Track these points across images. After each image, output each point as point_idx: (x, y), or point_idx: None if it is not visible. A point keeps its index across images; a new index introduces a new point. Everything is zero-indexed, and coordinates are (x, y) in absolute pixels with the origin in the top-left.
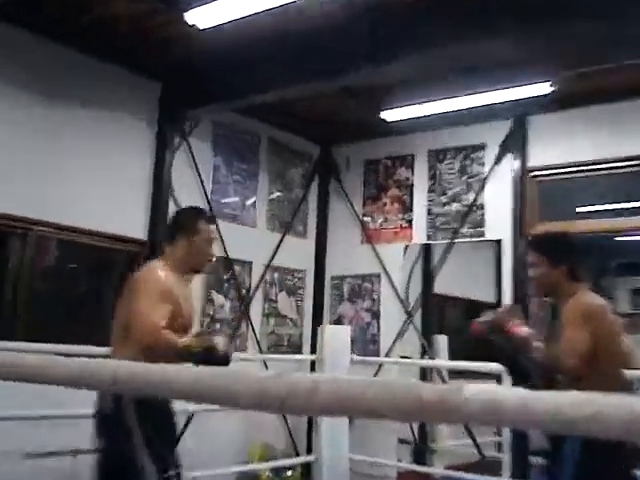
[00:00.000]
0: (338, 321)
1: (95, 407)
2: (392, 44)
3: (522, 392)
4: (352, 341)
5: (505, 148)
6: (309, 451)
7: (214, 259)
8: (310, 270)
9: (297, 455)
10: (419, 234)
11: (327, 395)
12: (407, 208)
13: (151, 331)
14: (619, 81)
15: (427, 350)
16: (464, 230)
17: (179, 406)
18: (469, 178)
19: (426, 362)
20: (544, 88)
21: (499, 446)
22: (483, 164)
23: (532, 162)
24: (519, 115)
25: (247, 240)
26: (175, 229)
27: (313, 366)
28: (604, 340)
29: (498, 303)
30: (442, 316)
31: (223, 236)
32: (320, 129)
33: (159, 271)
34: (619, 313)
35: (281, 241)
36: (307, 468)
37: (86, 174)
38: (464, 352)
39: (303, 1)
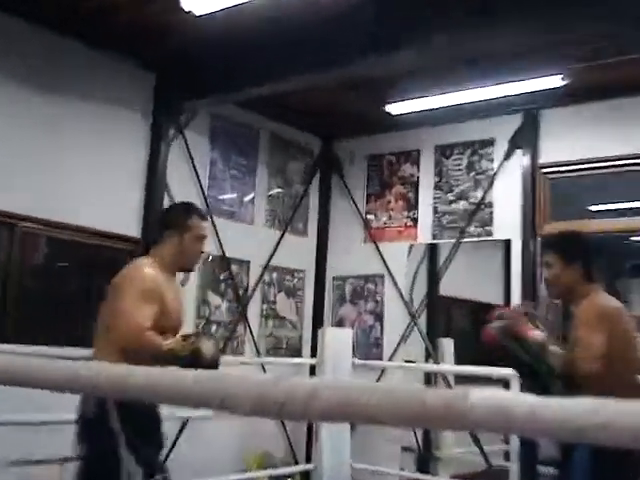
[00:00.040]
0: (339, 323)
1: (77, 411)
2: (396, 32)
3: (530, 398)
4: (354, 344)
5: (515, 144)
6: (308, 459)
7: (203, 254)
8: (310, 270)
9: (296, 463)
10: (424, 233)
11: (327, 400)
12: (412, 206)
13: (135, 332)
14: (637, 73)
15: (432, 354)
16: (471, 229)
17: (173, 412)
18: (477, 175)
19: (431, 367)
20: (556, 81)
21: (507, 455)
22: (492, 160)
23: (543, 158)
24: (529, 109)
25: (245, 238)
26: (165, 225)
27: (313, 370)
28: (618, 343)
29: (507, 306)
30: (448, 319)
31: (220, 234)
32: (322, 122)
33: (146, 269)
34: (633, 315)
35: (280, 239)
36: (306, 477)
37: (77, 167)
38: (471, 356)
39: None
